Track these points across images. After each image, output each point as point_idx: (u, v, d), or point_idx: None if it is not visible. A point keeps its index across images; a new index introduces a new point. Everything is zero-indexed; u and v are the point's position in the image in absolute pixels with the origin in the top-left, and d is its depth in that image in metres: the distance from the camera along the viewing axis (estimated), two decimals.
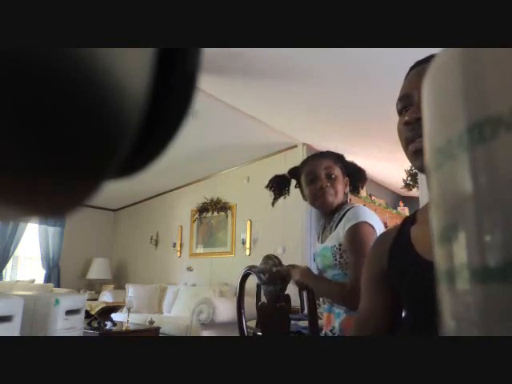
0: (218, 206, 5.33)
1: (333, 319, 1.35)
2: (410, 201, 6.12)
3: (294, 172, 1.52)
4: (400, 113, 0.68)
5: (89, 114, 0.11)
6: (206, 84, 3.16)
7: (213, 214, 5.39)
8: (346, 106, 3.52)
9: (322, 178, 1.38)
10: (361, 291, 0.79)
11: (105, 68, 0.11)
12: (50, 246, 5.96)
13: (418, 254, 0.66)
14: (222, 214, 5.32)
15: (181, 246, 5.76)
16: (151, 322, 3.97)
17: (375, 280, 0.76)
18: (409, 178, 4.63)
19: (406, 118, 0.64)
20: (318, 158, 1.44)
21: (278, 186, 1.55)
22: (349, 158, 1.50)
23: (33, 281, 5.44)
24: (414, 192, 5.07)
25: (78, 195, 0.13)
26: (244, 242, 4.96)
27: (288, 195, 1.57)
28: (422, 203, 3.62)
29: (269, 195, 1.60)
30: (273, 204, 1.57)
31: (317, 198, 1.39)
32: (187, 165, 4.98)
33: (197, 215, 5.57)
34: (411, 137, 0.63)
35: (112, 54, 0.11)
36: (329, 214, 1.42)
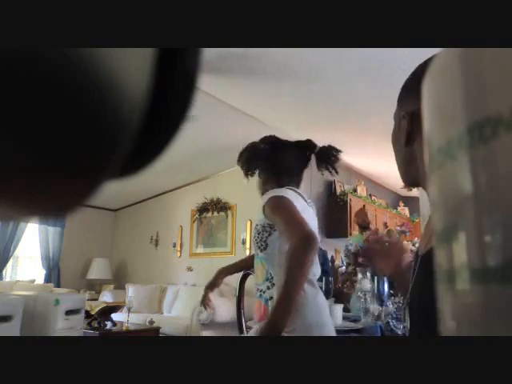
0: (218, 206, 5.33)
1: (265, 307, 1.32)
2: (409, 201, 6.12)
3: None
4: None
5: (89, 114, 0.11)
6: (206, 84, 3.16)
7: (213, 214, 5.39)
8: (346, 105, 3.52)
9: None
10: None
11: (105, 68, 0.11)
12: (50, 246, 5.96)
13: None
14: (222, 213, 5.32)
15: (181, 245, 5.76)
16: (151, 322, 3.97)
17: None
18: None
19: None
20: None
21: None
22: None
23: (33, 281, 5.44)
24: (414, 192, 5.07)
25: (78, 195, 0.13)
26: (244, 242, 4.96)
27: (337, 173, 1.57)
28: (421, 203, 3.62)
29: None
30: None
31: None
32: (187, 165, 4.98)
33: (197, 215, 5.56)
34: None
35: (112, 54, 0.11)
36: None
